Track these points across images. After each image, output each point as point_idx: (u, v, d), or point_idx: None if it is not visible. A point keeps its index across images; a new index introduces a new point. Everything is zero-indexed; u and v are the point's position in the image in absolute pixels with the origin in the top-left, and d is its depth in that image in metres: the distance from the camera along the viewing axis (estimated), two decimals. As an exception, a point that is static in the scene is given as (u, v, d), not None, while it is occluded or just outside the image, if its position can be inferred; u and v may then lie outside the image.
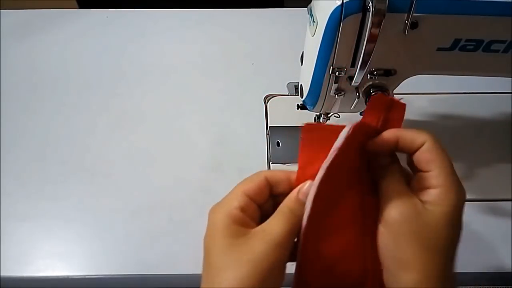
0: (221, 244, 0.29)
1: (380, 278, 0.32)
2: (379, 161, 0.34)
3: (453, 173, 0.31)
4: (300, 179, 0.32)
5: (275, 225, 0.30)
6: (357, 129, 0.32)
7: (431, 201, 0.30)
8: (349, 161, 0.33)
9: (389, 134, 0.33)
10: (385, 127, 0.34)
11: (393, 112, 0.34)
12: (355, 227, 0.33)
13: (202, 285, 0.30)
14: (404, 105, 0.34)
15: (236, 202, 0.31)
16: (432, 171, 0.31)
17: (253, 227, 0.30)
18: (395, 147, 0.33)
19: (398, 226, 0.30)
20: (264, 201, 0.32)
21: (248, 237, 0.29)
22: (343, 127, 0.32)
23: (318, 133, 0.33)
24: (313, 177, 0.32)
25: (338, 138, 0.32)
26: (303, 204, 0.31)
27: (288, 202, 0.31)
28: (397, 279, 0.30)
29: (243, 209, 0.31)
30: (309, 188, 0.31)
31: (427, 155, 0.31)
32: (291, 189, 0.32)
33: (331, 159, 0.31)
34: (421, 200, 0.31)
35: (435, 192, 0.30)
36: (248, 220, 0.31)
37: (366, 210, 0.33)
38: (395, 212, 0.31)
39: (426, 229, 0.30)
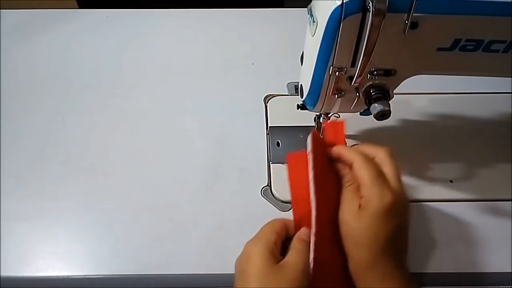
0: (260, 268, 0.38)
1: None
2: (339, 171, 0.45)
3: (377, 183, 0.41)
4: (296, 210, 0.44)
5: (296, 257, 0.40)
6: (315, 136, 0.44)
7: (362, 207, 0.41)
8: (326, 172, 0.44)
9: (333, 151, 0.46)
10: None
11: (335, 133, 0.48)
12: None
13: None
14: (341, 124, 0.48)
15: (272, 237, 0.41)
16: (361, 184, 0.42)
17: (280, 259, 0.40)
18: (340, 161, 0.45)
19: (342, 227, 0.41)
20: (284, 239, 0.42)
21: (279, 266, 0.39)
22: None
23: (298, 159, 0.45)
24: (304, 201, 0.42)
25: (307, 143, 0.44)
26: (306, 242, 0.41)
27: (296, 241, 0.42)
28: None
29: (276, 243, 0.41)
30: (306, 231, 0.42)
31: (356, 173, 0.42)
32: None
33: (312, 164, 0.43)
34: (359, 206, 0.41)
35: (363, 200, 0.41)
36: (277, 252, 0.40)
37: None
38: (341, 215, 0.42)
39: (357, 230, 0.40)
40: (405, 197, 0.42)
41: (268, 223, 0.43)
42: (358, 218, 0.40)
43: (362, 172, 0.42)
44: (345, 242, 0.41)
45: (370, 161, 0.43)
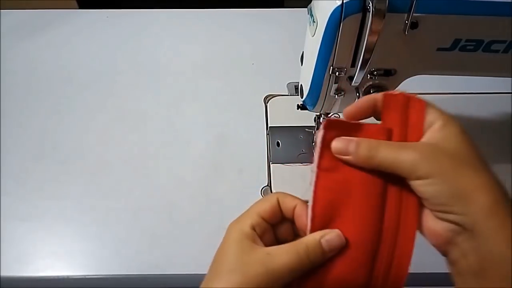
0: (231, 254, 0.30)
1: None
2: None
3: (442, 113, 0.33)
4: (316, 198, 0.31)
5: (281, 255, 0.30)
6: (327, 126, 0.31)
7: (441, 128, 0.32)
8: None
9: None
10: (405, 133, 0.32)
11: (412, 113, 0.32)
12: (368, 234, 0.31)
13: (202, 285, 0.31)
14: (423, 104, 0.33)
15: (249, 220, 0.32)
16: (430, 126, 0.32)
17: (262, 245, 0.31)
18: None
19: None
20: (277, 221, 0.33)
21: (254, 253, 0.30)
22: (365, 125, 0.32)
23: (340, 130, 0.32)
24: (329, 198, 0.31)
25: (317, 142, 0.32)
26: (323, 251, 0.30)
27: (307, 241, 0.30)
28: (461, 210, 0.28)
29: (254, 227, 0.32)
30: (335, 239, 0.30)
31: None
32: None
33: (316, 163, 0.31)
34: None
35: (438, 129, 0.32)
36: (257, 238, 0.32)
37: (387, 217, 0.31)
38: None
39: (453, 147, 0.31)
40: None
41: (258, 200, 0.35)
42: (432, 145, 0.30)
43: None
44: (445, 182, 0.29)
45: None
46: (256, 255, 0.30)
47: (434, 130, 0.32)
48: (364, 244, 0.31)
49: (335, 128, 0.31)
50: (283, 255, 0.30)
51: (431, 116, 0.32)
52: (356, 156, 0.30)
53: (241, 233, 0.32)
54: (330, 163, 0.31)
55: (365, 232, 0.31)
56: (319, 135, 0.32)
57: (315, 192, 0.31)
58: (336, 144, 0.31)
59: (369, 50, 0.38)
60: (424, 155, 0.30)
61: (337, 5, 0.37)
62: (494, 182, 0.30)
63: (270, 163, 0.57)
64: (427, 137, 0.31)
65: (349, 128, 0.32)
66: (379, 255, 0.31)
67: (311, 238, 0.30)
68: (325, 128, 0.31)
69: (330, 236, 0.30)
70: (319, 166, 0.31)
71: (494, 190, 0.29)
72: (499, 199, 0.29)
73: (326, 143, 0.31)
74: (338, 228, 0.31)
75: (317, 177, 0.31)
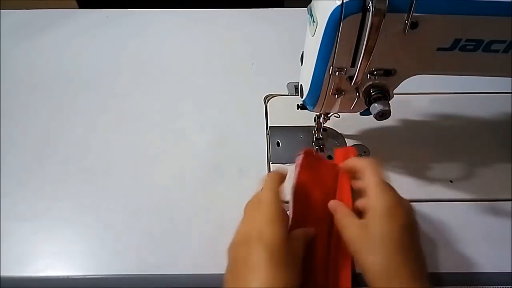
0: (274, 210, 0.42)
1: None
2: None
3: (380, 188, 0.42)
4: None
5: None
6: (306, 153, 0.48)
7: (366, 213, 0.42)
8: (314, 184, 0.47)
9: (345, 164, 0.48)
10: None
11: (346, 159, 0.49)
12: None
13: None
14: (352, 150, 0.53)
15: (279, 188, 0.44)
16: (367, 189, 0.43)
17: None
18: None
19: (350, 243, 0.42)
20: None
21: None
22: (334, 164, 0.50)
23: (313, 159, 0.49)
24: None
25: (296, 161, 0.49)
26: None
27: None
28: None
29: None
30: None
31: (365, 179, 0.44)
32: None
33: (296, 178, 0.47)
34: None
35: (366, 206, 0.42)
36: None
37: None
38: (345, 234, 0.43)
39: (364, 236, 0.41)
40: (406, 201, 0.43)
41: (272, 175, 0.46)
42: (362, 226, 0.41)
43: (369, 178, 0.43)
44: (358, 255, 0.41)
45: (375, 168, 0.44)
46: None
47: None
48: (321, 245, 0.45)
49: (309, 156, 0.48)
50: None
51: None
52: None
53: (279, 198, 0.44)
54: (304, 180, 0.47)
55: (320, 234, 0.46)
56: (298, 158, 0.48)
57: (293, 199, 0.46)
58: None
59: (369, 50, 0.38)
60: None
61: (337, 5, 0.37)
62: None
63: (270, 163, 0.57)
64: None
65: (317, 158, 0.50)
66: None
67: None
68: (304, 154, 0.48)
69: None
70: (297, 181, 0.47)
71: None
72: None
73: (303, 165, 0.48)
74: (308, 224, 0.46)
75: (295, 188, 0.47)
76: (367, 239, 0.40)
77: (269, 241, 0.38)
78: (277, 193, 0.43)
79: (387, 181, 0.43)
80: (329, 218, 0.46)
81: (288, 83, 0.66)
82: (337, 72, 0.43)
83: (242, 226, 0.43)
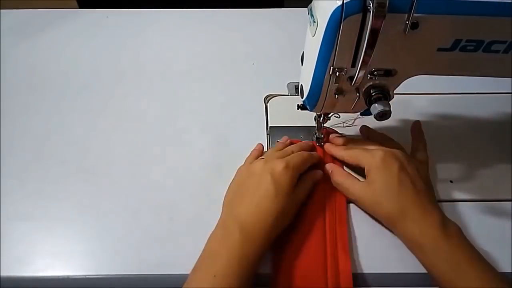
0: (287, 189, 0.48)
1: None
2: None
3: (367, 150, 0.50)
4: None
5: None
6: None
7: (366, 176, 0.49)
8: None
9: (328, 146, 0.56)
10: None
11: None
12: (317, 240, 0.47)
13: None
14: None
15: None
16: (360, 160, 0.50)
17: None
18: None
19: (361, 203, 0.49)
20: None
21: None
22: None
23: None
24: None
25: None
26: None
27: None
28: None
29: None
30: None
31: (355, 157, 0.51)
32: None
33: None
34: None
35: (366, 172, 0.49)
36: None
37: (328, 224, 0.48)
38: (355, 194, 0.49)
39: (372, 194, 0.47)
40: (395, 144, 0.52)
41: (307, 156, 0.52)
42: (364, 185, 0.48)
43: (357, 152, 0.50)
44: (370, 210, 0.48)
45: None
46: None
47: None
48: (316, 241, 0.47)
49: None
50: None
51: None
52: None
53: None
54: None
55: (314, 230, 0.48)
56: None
57: None
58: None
59: (369, 50, 0.38)
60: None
61: (337, 5, 0.37)
62: None
63: (270, 163, 0.57)
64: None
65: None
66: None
67: None
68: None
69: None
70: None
71: None
72: None
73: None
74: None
75: None
76: (373, 195, 0.46)
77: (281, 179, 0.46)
78: (301, 169, 0.49)
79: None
80: (325, 198, 0.50)
81: (288, 83, 0.66)
82: (337, 73, 0.43)
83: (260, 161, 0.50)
